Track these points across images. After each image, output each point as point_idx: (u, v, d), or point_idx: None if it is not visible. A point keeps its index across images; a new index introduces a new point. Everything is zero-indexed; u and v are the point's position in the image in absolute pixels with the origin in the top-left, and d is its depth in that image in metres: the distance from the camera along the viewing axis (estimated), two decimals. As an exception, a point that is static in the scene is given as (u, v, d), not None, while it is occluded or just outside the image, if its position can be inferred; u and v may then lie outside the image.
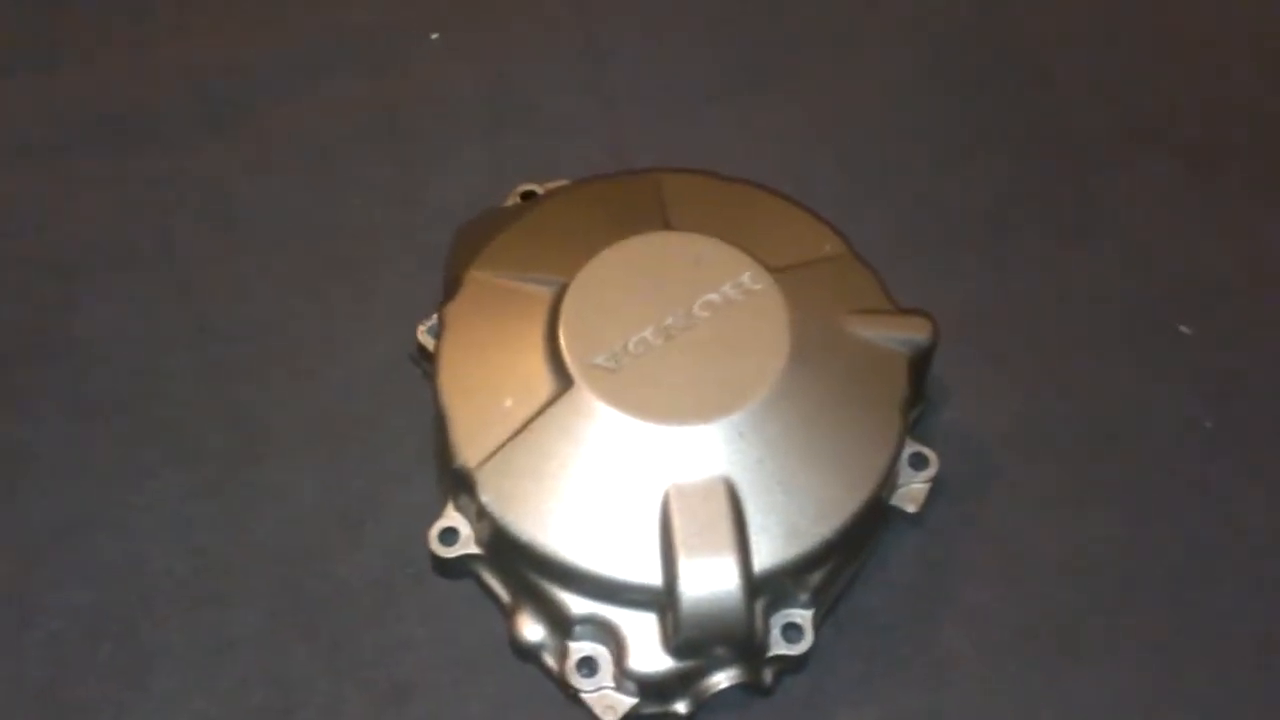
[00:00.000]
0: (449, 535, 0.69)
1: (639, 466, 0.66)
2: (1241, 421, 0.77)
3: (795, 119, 0.88)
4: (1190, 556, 0.73)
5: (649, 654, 0.66)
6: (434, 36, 0.91)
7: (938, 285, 0.80)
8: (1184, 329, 0.80)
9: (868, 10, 0.93)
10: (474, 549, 0.69)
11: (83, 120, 0.87)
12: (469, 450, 0.67)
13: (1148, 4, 0.93)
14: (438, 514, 0.70)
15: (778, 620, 0.67)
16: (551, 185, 0.79)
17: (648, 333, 0.68)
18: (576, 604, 0.66)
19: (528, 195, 0.79)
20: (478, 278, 0.72)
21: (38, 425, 0.77)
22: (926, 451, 0.72)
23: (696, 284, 0.69)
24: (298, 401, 0.77)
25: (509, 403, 0.68)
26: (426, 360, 0.73)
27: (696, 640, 0.65)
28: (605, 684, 0.67)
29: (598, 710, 0.67)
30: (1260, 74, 0.90)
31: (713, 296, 0.69)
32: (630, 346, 0.68)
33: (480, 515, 0.67)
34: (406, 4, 0.92)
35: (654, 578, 0.65)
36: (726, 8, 0.93)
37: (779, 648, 0.67)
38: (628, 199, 0.75)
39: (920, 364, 0.71)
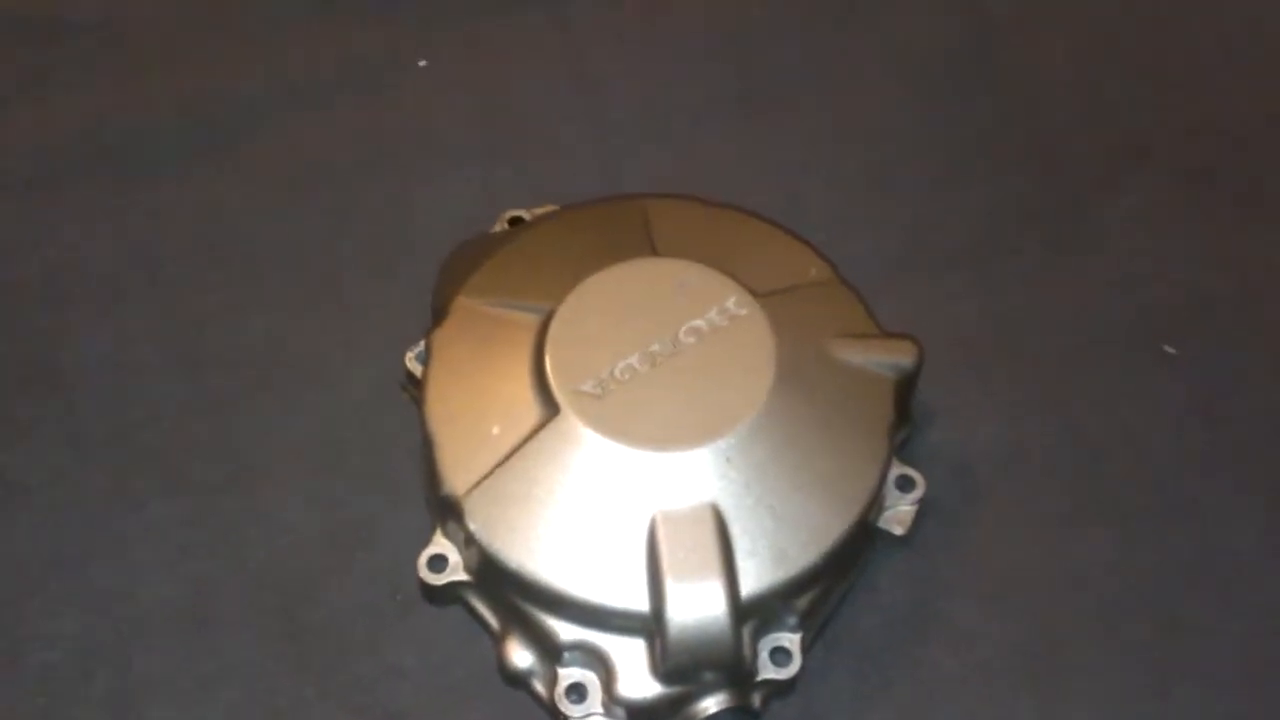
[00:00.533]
0: (437, 562, 0.70)
1: (626, 493, 0.66)
2: (1228, 441, 0.77)
3: (783, 144, 0.88)
4: (1179, 576, 0.74)
5: (638, 680, 0.66)
6: (422, 64, 0.91)
7: (924, 308, 0.80)
8: (1169, 349, 0.80)
9: (857, 35, 0.93)
10: (463, 576, 0.69)
11: (72, 149, 0.87)
12: (456, 477, 0.67)
13: (1134, 26, 0.94)
14: (427, 541, 0.70)
15: (766, 644, 0.67)
16: (539, 211, 0.79)
17: (634, 359, 0.68)
18: (565, 630, 0.66)
19: (515, 221, 0.79)
20: (465, 304, 0.72)
21: (29, 455, 0.77)
22: (913, 474, 0.72)
23: (682, 310, 0.70)
24: (288, 429, 0.78)
25: (496, 430, 0.68)
26: (415, 387, 0.73)
27: (685, 666, 0.65)
28: (595, 710, 0.67)
29: (587, 736, 0.67)
30: (1246, 95, 0.91)
31: (698, 322, 0.69)
32: (616, 373, 0.68)
33: (468, 542, 0.67)
34: (395, 32, 0.92)
35: (642, 604, 0.65)
36: (715, 33, 0.93)
37: (767, 672, 0.67)
38: (614, 225, 0.75)
39: (906, 387, 0.72)
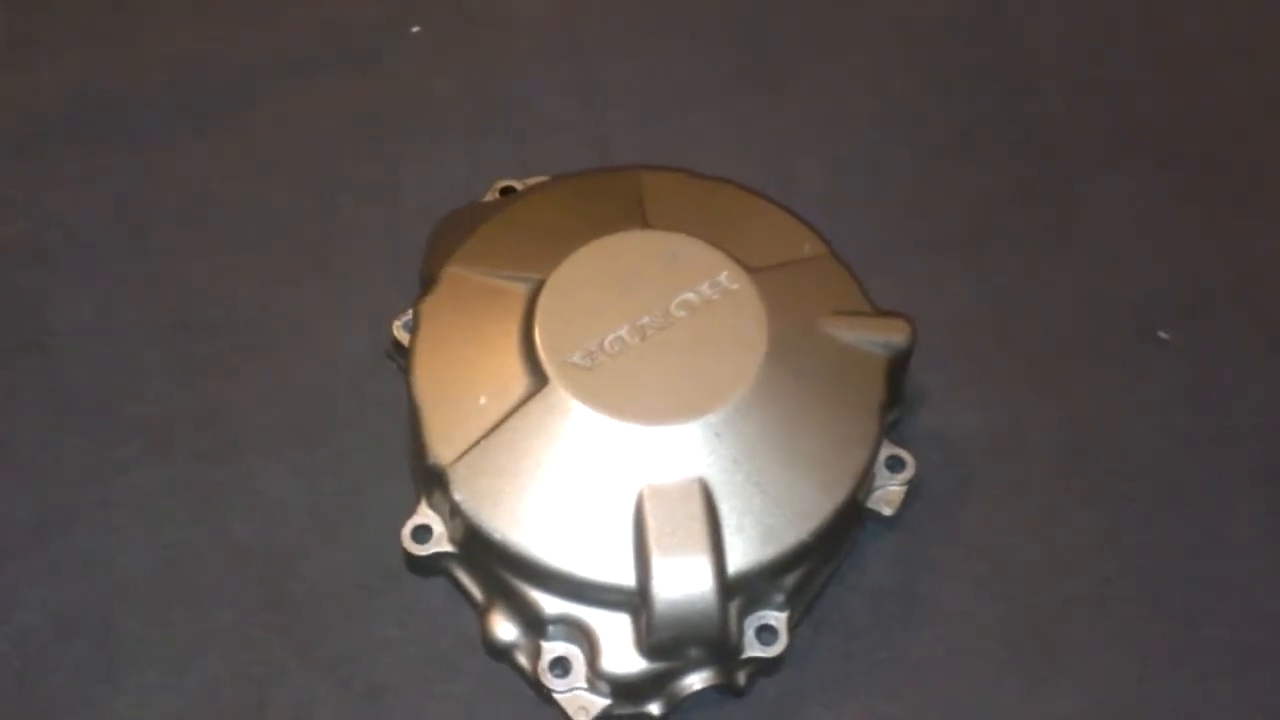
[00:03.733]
0: (422, 533, 0.69)
1: (613, 466, 0.65)
2: (1220, 427, 0.77)
3: (779, 119, 0.88)
4: (1168, 561, 0.73)
5: (622, 655, 0.65)
6: (415, 30, 0.90)
7: (918, 288, 0.79)
8: (1163, 334, 0.80)
9: (855, 12, 0.92)
10: (447, 547, 0.69)
11: (59, 113, 0.86)
12: (442, 448, 0.67)
13: (1132, 12, 0.93)
14: (412, 511, 0.70)
15: (752, 622, 0.67)
16: (531, 181, 0.79)
17: (624, 331, 0.68)
18: (550, 604, 0.66)
19: (506, 191, 0.78)
20: (454, 273, 0.71)
21: (11, 421, 0.76)
22: (903, 454, 0.72)
23: (673, 283, 0.69)
24: (273, 397, 0.77)
25: (483, 400, 0.67)
26: (402, 356, 0.72)
27: (670, 642, 0.65)
28: (578, 684, 0.66)
29: (570, 711, 0.67)
30: (1243, 81, 0.90)
31: (690, 296, 0.69)
32: (606, 345, 0.67)
33: (453, 513, 0.67)
34: (387, -3, 0.92)
35: (627, 578, 0.64)
36: (713, 7, 0.92)
37: (753, 649, 0.67)
38: (606, 196, 0.75)
39: (898, 367, 0.71)
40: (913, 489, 0.72)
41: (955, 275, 0.82)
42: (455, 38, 0.90)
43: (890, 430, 0.73)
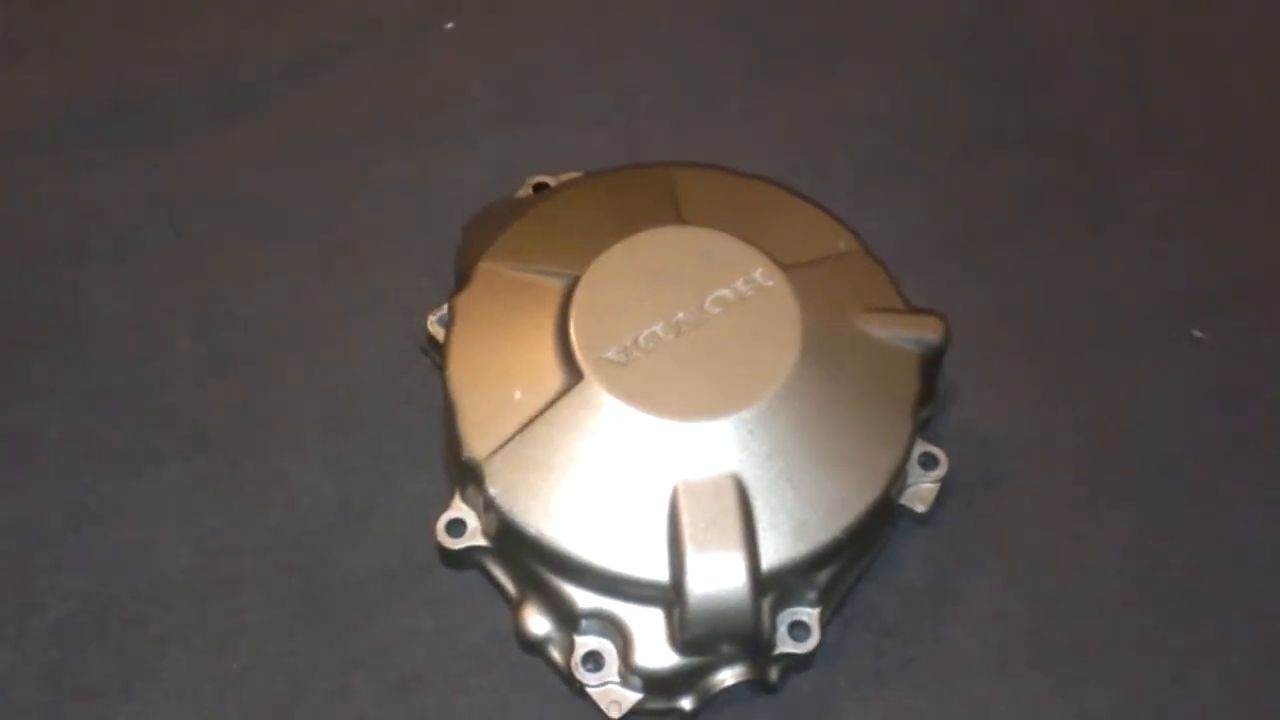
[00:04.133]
0: (456, 527, 0.69)
1: (648, 461, 0.66)
2: (1253, 427, 0.77)
3: (810, 115, 0.88)
4: (1199, 561, 0.73)
5: (655, 650, 0.66)
6: (448, 26, 0.91)
7: (949, 284, 0.79)
8: (1197, 333, 0.80)
9: (884, 8, 0.92)
10: (481, 541, 0.69)
11: (92, 107, 0.87)
12: (477, 442, 0.67)
13: (1162, 5, 0.93)
14: (446, 505, 0.70)
15: (785, 618, 0.67)
16: (564, 177, 0.79)
17: (658, 327, 0.68)
18: (583, 598, 0.66)
19: (540, 187, 0.78)
20: (489, 269, 0.72)
21: (47, 412, 0.77)
22: (936, 451, 0.72)
23: (708, 279, 0.69)
24: (307, 390, 0.77)
25: (518, 395, 0.68)
26: (436, 351, 0.72)
27: (703, 637, 0.65)
28: (611, 679, 0.67)
29: (603, 705, 0.67)
30: (1275, 75, 0.90)
31: (724, 292, 0.69)
32: (641, 341, 0.67)
33: (488, 507, 0.67)
34: (421, -8, 0.92)
35: (661, 573, 0.64)
36: (744, 2, 0.92)
37: (785, 645, 0.67)
38: (640, 192, 0.75)
39: (932, 364, 0.71)
40: (945, 486, 0.72)
41: (987, 271, 0.82)
42: (488, 33, 0.90)
43: (923, 427, 0.73)
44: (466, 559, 0.70)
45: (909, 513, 0.72)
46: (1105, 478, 0.75)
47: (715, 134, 0.87)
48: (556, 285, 0.69)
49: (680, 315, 0.68)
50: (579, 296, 0.68)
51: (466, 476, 0.68)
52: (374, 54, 0.89)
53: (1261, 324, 0.80)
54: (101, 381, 0.78)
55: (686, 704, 0.67)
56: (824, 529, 0.66)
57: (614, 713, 0.67)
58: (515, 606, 0.69)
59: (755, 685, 0.68)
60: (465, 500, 0.69)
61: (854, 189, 0.84)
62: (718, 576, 0.64)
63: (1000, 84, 0.89)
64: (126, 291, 0.80)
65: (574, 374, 0.67)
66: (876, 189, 0.85)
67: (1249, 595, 0.72)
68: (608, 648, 0.67)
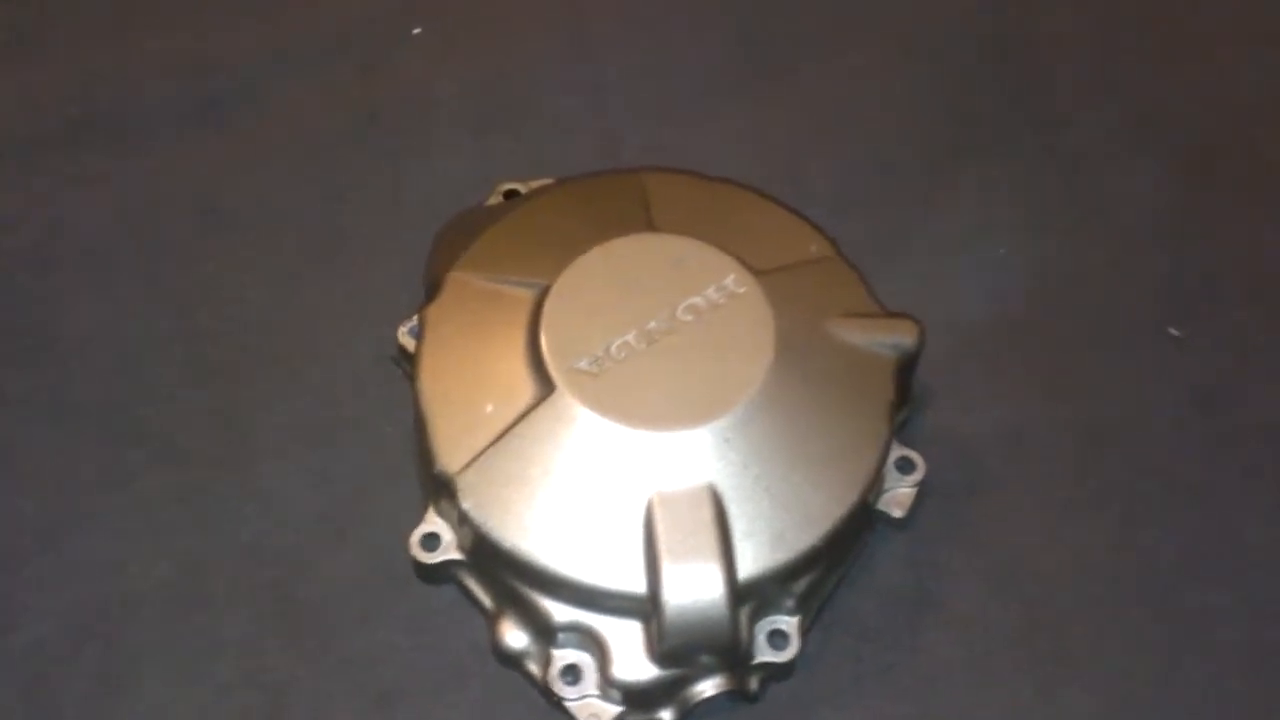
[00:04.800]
0: (430, 540, 0.69)
1: (622, 472, 0.65)
2: (1232, 424, 0.77)
3: (785, 119, 0.87)
4: (1180, 560, 0.73)
5: (633, 662, 0.65)
6: (416, 31, 0.90)
7: (925, 287, 0.79)
8: (1174, 331, 0.79)
9: (861, 11, 0.92)
10: (456, 555, 0.69)
11: (63, 116, 0.86)
12: (449, 456, 0.67)
13: (1141, 4, 0.92)
14: (420, 518, 0.69)
15: (763, 627, 0.67)
16: (535, 183, 0.78)
17: (630, 336, 0.67)
18: (560, 611, 0.66)
19: (510, 194, 0.78)
20: (459, 279, 0.71)
21: (21, 426, 0.76)
22: (913, 456, 0.71)
23: (680, 287, 0.69)
24: (281, 402, 0.77)
25: (490, 408, 0.67)
26: (408, 362, 0.72)
27: (681, 648, 0.64)
28: (590, 692, 0.66)
29: (582, 718, 0.67)
30: (1253, 75, 0.89)
31: (696, 300, 0.68)
32: (613, 350, 0.67)
33: (461, 521, 0.67)
34: (388, -3, 0.91)
35: (638, 585, 0.64)
36: (718, 4, 0.92)
37: (765, 655, 0.67)
38: (611, 199, 0.74)
39: (907, 367, 0.71)
40: (923, 490, 0.71)
41: (963, 274, 0.81)
42: (457, 37, 0.90)
43: (899, 431, 0.72)
44: (442, 573, 0.69)
45: (887, 518, 0.71)
46: (1085, 478, 0.75)
47: (689, 136, 0.86)
48: (527, 295, 0.69)
49: (652, 324, 0.68)
50: (549, 306, 0.68)
51: (440, 490, 0.67)
52: (342, 61, 0.88)
53: (1240, 321, 0.80)
54: (75, 395, 0.77)
55: (666, 716, 0.67)
56: (801, 537, 0.66)
57: (593, 725, 0.66)
58: (492, 620, 0.69)
59: (735, 695, 0.67)
60: (439, 513, 0.69)
61: (830, 191, 0.83)
62: (694, 587, 0.63)
63: (976, 85, 0.89)
64: (98, 303, 0.80)
65: (546, 385, 0.66)
66: (852, 191, 0.84)
67: (1232, 594, 0.72)
68: (586, 660, 0.66)
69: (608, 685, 0.66)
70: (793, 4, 0.92)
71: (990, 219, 0.84)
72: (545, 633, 0.66)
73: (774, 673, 0.68)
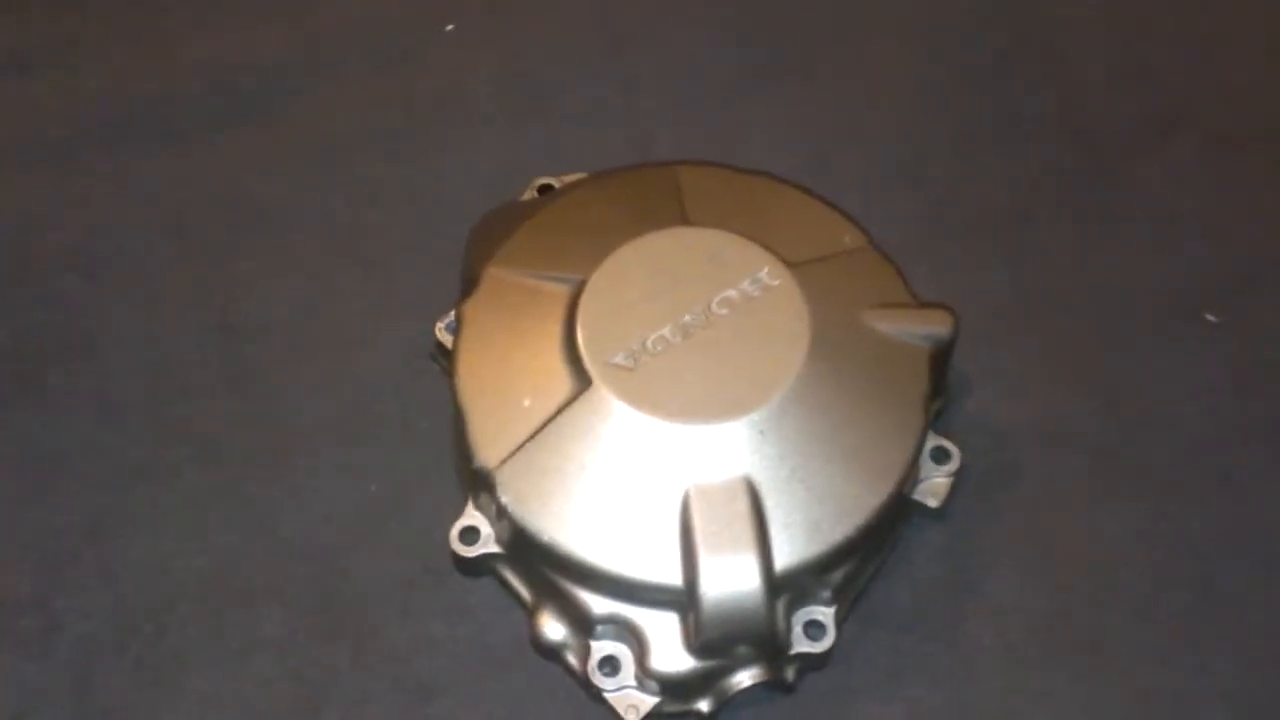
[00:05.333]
0: (470, 534, 0.69)
1: (659, 466, 0.66)
2: (1269, 410, 0.76)
3: (816, 110, 0.87)
4: (1216, 550, 0.73)
5: (671, 653, 0.66)
6: (449, 28, 0.90)
7: (958, 276, 0.79)
8: (1211, 317, 0.79)
9: (890, 2, 0.91)
10: (495, 548, 0.69)
11: (100, 118, 0.87)
12: (488, 450, 0.67)
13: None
14: (460, 511, 0.70)
15: (800, 618, 0.67)
16: (568, 178, 0.79)
17: (666, 330, 0.68)
18: (598, 604, 0.66)
19: (544, 189, 0.78)
20: (495, 274, 0.71)
21: (63, 426, 0.77)
22: (948, 445, 0.71)
23: (715, 280, 0.69)
24: (319, 399, 0.78)
25: (527, 402, 0.68)
26: (445, 357, 0.73)
27: (718, 639, 0.65)
28: (628, 683, 0.67)
29: (620, 709, 0.67)
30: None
31: (731, 293, 0.69)
32: (649, 345, 0.67)
33: (500, 515, 0.67)
34: (421, -5, 0.91)
35: (675, 577, 0.64)
36: (746, -1, 0.92)
37: (801, 645, 0.67)
38: (645, 193, 0.74)
39: (941, 358, 0.71)
40: (958, 480, 0.71)
41: (996, 262, 0.81)
42: (489, 34, 0.90)
43: (934, 421, 0.72)
44: (481, 566, 0.70)
45: (922, 507, 0.71)
46: (1119, 466, 0.75)
47: (720, 128, 0.86)
48: (562, 290, 0.69)
49: (687, 317, 0.68)
50: (585, 301, 0.68)
51: (478, 485, 0.68)
52: (375, 59, 0.89)
53: (1276, 306, 0.79)
54: (115, 395, 0.78)
55: (704, 706, 0.67)
56: (837, 528, 0.66)
57: (631, 716, 0.67)
58: (531, 612, 0.69)
59: (772, 686, 0.68)
60: (478, 507, 0.69)
61: (862, 182, 0.83)
62: (731, 579, 0.64)
63: (1006, 72, 0.88)
64: (136, 303, 0.81)
65: (582, 380, 0.67)
66: (884, 182, 0.84)
67: (1267, 581, 0.72)
68: (624, 652, 0.67)
69: (645, 676, 0.66)
70: (820, -2, 0.92)
71: (1023, 207, 0.83)
72: (583, 625, 0.67)
73: (810, 663, 0.68)
